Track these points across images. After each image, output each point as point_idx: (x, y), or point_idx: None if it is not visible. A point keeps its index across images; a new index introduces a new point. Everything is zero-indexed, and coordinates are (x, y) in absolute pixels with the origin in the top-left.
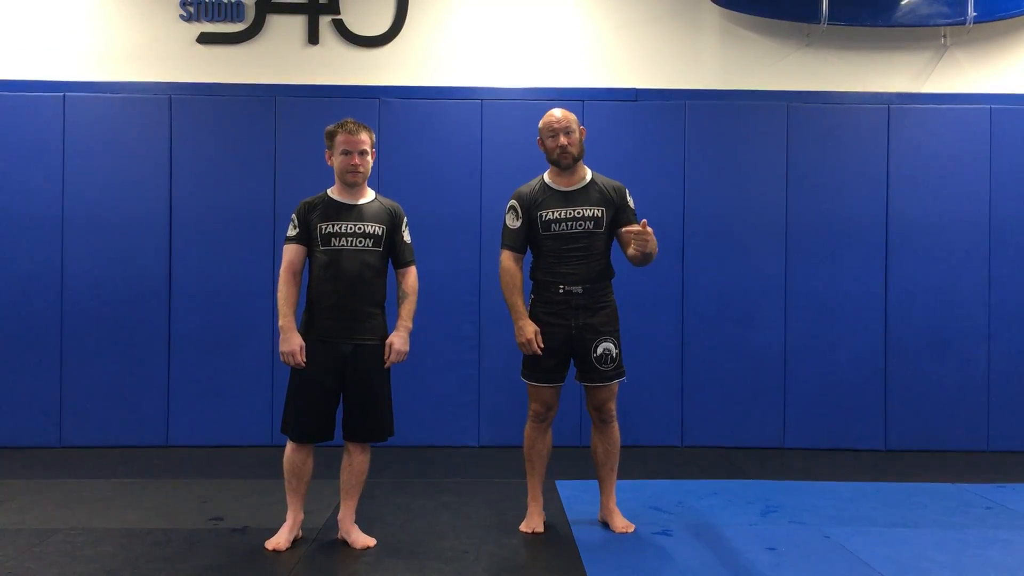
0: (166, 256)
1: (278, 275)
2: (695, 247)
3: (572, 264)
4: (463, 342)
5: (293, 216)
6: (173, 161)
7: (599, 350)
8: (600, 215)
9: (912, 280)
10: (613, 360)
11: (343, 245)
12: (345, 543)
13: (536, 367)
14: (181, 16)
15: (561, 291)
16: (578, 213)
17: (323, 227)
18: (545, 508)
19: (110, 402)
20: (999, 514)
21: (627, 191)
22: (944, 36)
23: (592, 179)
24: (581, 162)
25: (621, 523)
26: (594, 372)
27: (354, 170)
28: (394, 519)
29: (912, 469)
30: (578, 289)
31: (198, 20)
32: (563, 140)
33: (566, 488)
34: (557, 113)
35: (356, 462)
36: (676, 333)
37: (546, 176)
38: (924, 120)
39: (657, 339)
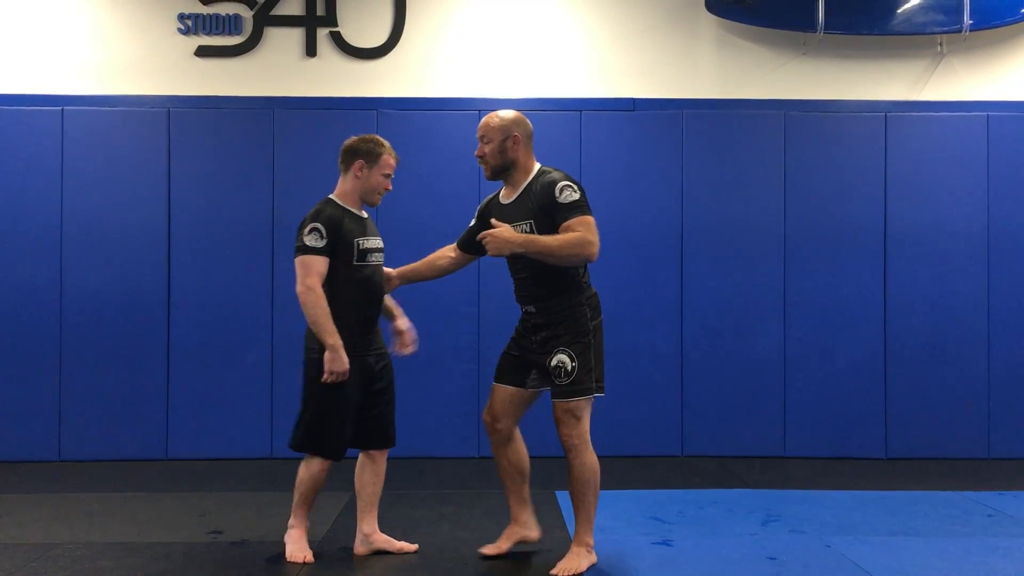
0: (165, 269)
1: (299, 287)
2: (693, 256)
3: (521, 284)
4: (462, 352)
5: (319, 226)
6: (171, 174)
7: (553, 361)
8: (529, 229)
9: (911, 287)
10: (567, 374)
11: (374, 261)
12: (359, 555)
13: (498, 364)
14: (179, 29)
15: (522, 311)
16: None
17: (360, 242)
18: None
19: (109, 415)
20: (1001, 522)
21: (559, 184)
22: (940, 44)
23: (528, 185)
24: (520, 168)
25: (562, 564)
26: (549, 383)
27: (384, 192)
28: (394, 530)
29: (913, 477)
30: (531, 308)
31: (196, 33)
32: (478, 150)
33: (567, 499)
34: (484, 117)
35: (381, 469)
36: (675, 342)
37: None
38: (921, 128)
39: (656, 348)
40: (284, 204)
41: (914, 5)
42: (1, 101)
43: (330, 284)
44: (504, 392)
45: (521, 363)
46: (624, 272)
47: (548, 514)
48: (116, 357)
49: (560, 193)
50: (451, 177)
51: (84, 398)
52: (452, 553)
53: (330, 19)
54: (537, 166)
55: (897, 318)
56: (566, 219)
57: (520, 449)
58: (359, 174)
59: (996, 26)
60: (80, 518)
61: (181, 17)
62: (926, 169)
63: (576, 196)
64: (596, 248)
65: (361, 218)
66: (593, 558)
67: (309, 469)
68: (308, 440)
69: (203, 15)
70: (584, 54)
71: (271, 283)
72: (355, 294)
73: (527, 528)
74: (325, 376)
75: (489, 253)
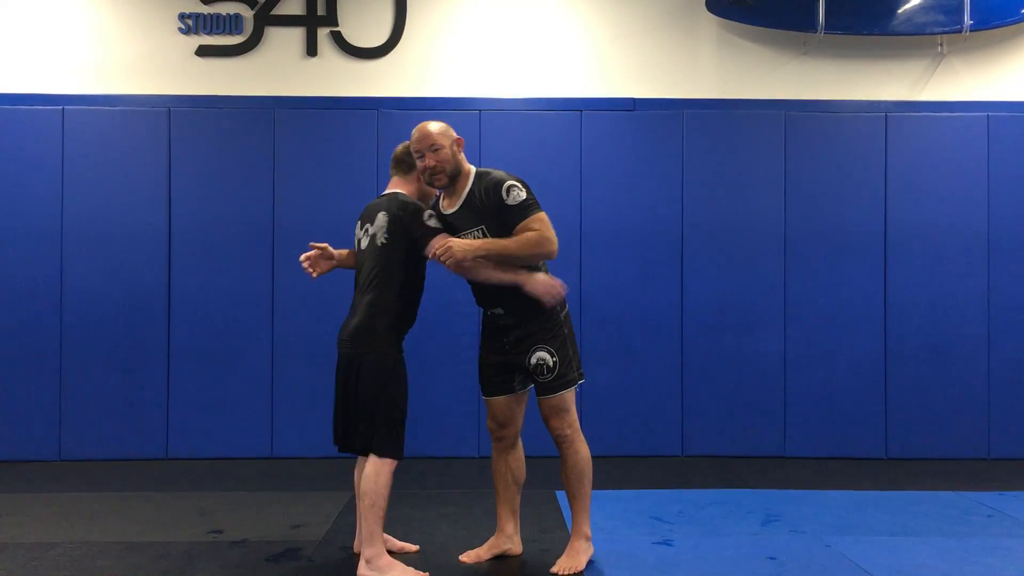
0: (165, 268)
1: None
2: (693, 256)
3: (485, 288)
4: (462, 352)
5: (430, 211)
6: (172, 173)
7: (533, 360)
8: (481, 235)
9: (911, 288)
10: (550, 370)
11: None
12: (359, 554)
13: (481, 378)
14: (180, 29)
15: (488, 313)
16: None
17: None
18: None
19: (110, 415)
20: (1001, 522)
21: (505, 185)
22: (941, 44)
23: (470, 190)
24: (463, 174)
25: (562, 562)
26: (533, 383)
27: (434, 196)
28: (393, 531)
29: (913, 477)
30: (499, 310)
31: (196, 33)
32: (430, 161)
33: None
34: (419, 131)
35: None
36: (675, 342)
37: (442, 194)
38: (921, 128)
39: (657, 349)
40: (284, 204)
41: (914, 5)
42: (1, 101)
43: (404, 274)
44: (499, 402)
45: (502, 369)
46: (624, 272)
47: (548, 514)
48: (116, 356)
49: (508, 194)
50: None
51: (84, 398)
52: (452, 553)
53: (331, 19)
54: (473, 169)
55: (897, 318)
56: (521, 219)
57: (520, 457)
58: (422, 176)
59: (996, 26)
60: (80, 518)
61: (182, 17)
62: (926, 169)
63: (524, 195)
64: (555, 245)
65: None
66: (591, 550)
67: (384, 475)
68: (400, 444)
69: (204, 15)
70: (584, 54)
71: (271, 283)
72: (417, 290)
73: (512, 542)
74: (553, 297)
75: (451, 265)
